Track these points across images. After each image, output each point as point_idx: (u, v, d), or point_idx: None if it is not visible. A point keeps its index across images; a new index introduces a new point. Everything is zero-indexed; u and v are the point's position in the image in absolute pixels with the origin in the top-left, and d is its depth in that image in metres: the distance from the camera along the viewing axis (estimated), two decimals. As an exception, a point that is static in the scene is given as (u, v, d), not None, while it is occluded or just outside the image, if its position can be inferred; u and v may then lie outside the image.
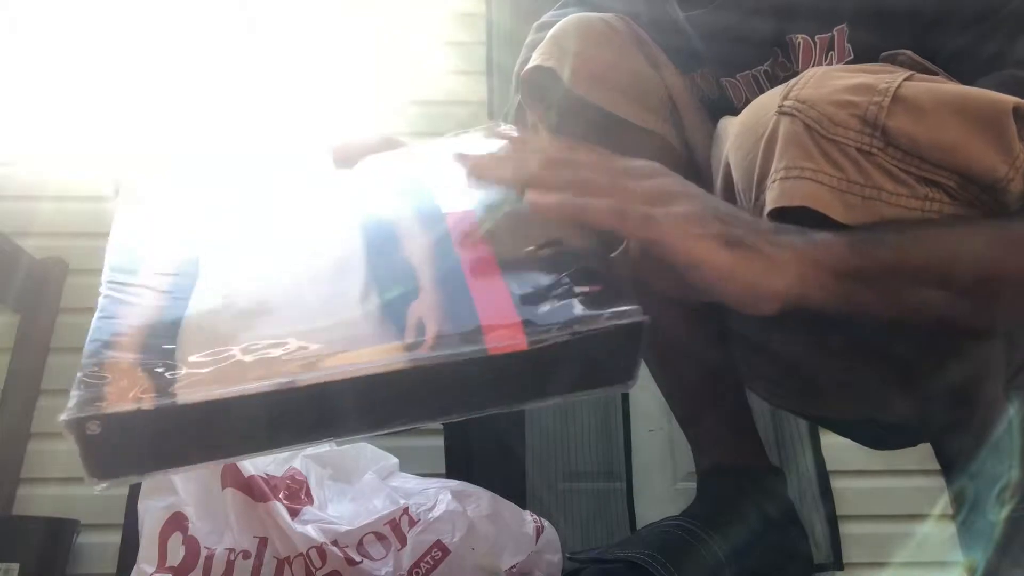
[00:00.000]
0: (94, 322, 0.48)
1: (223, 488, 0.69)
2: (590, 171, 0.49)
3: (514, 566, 0.72)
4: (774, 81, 0.78)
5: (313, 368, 0.39)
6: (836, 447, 2.22)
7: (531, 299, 0.43)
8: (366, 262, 0.46)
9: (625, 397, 2.36)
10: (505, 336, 0.41)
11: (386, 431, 0.44)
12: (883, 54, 0.62)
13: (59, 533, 1.89)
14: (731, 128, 0.66)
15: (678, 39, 0.89)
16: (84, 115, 2.47)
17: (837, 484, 2.18)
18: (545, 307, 0.43)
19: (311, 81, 2.57)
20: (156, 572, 0.68)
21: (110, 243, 0.54)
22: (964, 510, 0.82)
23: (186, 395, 0.40)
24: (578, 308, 0.43)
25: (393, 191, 0.54)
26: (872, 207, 0.51)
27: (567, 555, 0.75)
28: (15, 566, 1.72)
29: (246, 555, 0.64)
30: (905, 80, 0.52)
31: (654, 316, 0.53)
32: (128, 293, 0.48)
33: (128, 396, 0.41)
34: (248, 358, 0.40)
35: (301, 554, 0.63)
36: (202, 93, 2.52)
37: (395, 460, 0.81)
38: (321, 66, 2.58)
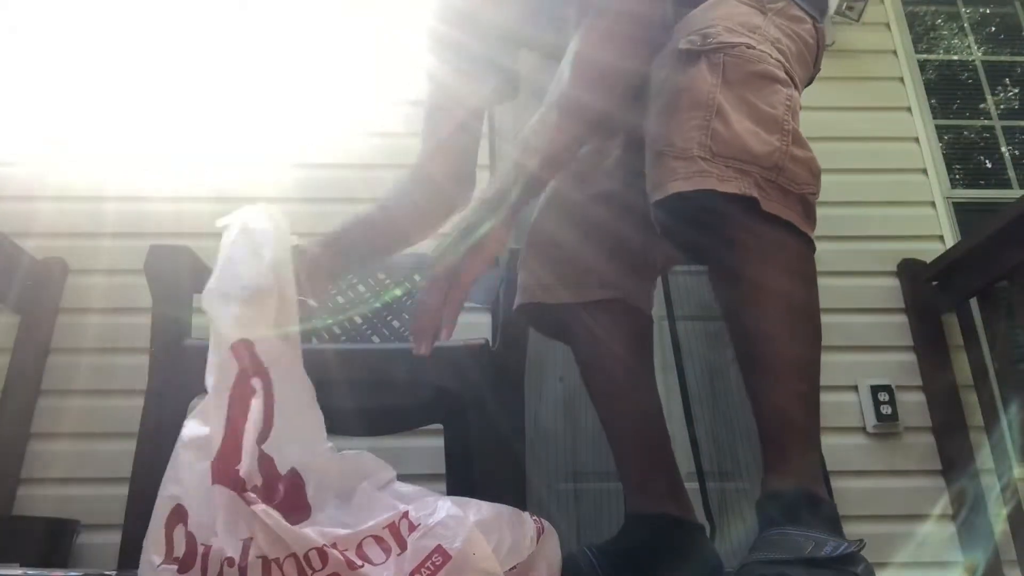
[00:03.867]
0: None
1: (212, 484, 0.68)
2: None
3: (514, 567, 0.71)
4: None
5: None
6: (836, 447, 2.23)
7: None
8: None
9: (625, 397, 2.36)
10: None
11: None
12: None
13: (59, 533, 1.89)
14: None
15: None
16: (84, 115, 2.47)
17: (837, 484, 2.17)
18: None
19: (311, 81, 2.57)
20: (163, 563, 0.68)
21: None
22: (964, 510, 0.86)
23: None
24: None
25: None
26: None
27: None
28: (15, 566, 1.72)
29: (230, 563, 0.64)
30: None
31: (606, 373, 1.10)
32: None
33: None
34: None
35: (292, 555, 0.62)
36: (202, 93, 2.52)
37: (393, 472, 0.79)
38: (321, 66, 2.58)
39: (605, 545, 1.06)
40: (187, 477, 0.71)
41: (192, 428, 0.74)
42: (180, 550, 0.68)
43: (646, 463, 1.13)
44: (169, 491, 0.71)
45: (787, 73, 0.99)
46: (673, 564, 1.03)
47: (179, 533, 0.69)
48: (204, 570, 0.66)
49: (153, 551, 0.69)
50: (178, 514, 0.69)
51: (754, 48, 0.96)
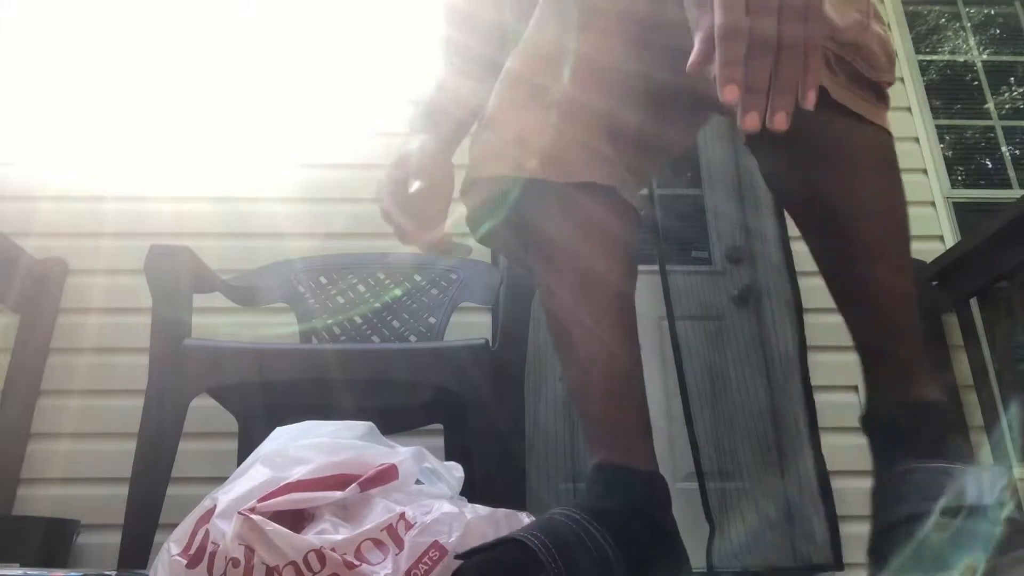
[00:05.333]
0: None
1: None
2: None
3: (514, 567, 0.71)
4: None
5: None
6: (836, 447, 2.23)
7: None
8: None
9: (625, 397, 2.35)
10: None
11: None
12: None
13: (59, 533, 1.89)
14: None
15: None
16: (84, 115, 2.48)
17: (837, 484, 2.18)
18: None
19: (312, 80, 2.57)
20: (177, 555, 0.69)
21: None
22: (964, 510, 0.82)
23: None
24: None
25: None
26: None
27: (455, 556, 0.68)
28: (15, 566, 1.72)
29: (235, 564, 0.64)
30: None
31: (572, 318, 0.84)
32: None
33: None
34: None
35: (292, 563, 0.62)
36: (202, 93, 2.52)
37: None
38: (322, 65, 2.58)
39: (588, 503, 0.83)
40: (241, 482, 0.72)
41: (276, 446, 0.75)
42: (196, 546, 0.69)
43: (630, 414, 0.91)
44: (220, 491, 0.72)
45: None
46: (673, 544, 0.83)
47: (203, 531, 0.69)
48: (210, 569, 0.66)
49: (175, 540, 0.71)
50: (211, 513, 0.70)
51: None
